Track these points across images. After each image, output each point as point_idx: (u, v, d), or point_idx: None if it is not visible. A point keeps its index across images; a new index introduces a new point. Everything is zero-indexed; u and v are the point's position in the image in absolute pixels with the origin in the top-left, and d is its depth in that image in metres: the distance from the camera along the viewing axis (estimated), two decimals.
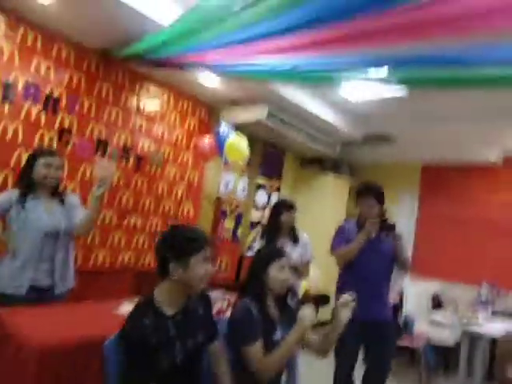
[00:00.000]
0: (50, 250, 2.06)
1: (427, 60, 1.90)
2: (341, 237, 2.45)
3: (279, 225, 2.67)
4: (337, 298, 2.63)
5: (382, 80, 2.25)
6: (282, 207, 2.70)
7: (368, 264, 2.34)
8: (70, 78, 3.06)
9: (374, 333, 2.30)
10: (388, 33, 1.70)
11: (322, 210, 5.16)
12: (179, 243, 1.36)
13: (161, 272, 1.38)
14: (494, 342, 3.49)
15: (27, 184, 2.05)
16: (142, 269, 3.60)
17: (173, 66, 2.86)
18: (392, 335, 2.47)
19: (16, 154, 2.79)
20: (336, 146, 4.85)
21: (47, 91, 2.93)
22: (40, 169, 2.04)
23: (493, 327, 3.43)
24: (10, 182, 2.76)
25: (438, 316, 3.51)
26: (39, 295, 2.02)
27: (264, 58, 2.29)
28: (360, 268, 2.35)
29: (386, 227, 2.33)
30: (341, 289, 2.39)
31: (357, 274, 2.35)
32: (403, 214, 5.82)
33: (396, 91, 3.15)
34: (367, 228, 2.30)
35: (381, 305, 2.37)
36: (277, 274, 1.64)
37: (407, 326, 3.48)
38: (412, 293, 4.03)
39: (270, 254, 1.70)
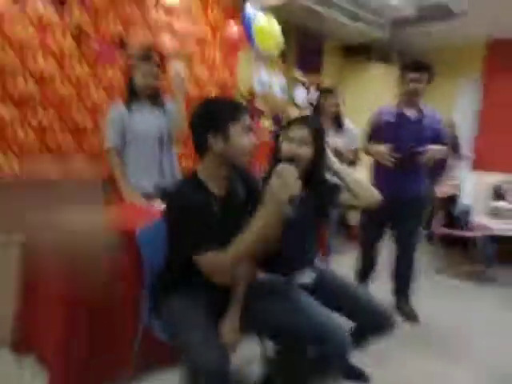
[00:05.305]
0: (158, 154, 2.17)
1: None
2: (374, 129, 2.48)
3: (321, 110, 2.76)
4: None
5: None
6: (323, 93, 2.83)
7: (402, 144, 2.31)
8: None
9: (402, 208, 2.38)
10: None
11: (370, 107, 4.67)
12: (216, 113, 1.27)
13: (200, 148, 1.31)
14: None
15: (131, 94, 2.14)
16: None
17: None
18: (420, 209, 2.51)
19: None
20: (385, 27, 4.21)
21: None
22: (139, 78, 2.10)
23: None
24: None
25: (500, 203, 3.22)
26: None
27: None
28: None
29: None
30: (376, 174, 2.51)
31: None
32: (463, 104, 5.21)
33: None
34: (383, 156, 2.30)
35: (414, 182, 2.41)
36: None
37: (463, 217, 3.25)
38: (471, 185, 3.71)
39: None
